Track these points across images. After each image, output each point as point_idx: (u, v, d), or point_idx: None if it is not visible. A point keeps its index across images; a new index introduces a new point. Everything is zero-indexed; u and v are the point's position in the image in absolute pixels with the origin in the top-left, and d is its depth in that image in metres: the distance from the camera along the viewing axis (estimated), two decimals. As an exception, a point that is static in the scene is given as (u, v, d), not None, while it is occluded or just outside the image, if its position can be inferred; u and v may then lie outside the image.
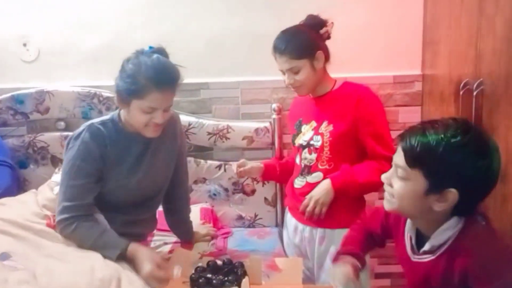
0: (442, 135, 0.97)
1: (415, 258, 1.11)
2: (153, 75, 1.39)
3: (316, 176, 1.65)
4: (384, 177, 1.09)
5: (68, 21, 2.10)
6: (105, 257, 1.38)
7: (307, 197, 1.65)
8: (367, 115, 1.60)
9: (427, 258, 1.08)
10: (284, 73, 1.64)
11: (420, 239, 1.11)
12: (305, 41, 1.61)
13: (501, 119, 1.42)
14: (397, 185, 1.05)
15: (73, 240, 1.43)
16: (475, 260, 0.98)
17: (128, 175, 1.51)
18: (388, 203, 1.09)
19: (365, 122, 1.60)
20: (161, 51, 1.48)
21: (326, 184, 1.62)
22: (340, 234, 1.62)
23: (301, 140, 1.71)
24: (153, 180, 1.58)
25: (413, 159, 1.00)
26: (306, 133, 1.70)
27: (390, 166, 1.53)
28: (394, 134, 2.05)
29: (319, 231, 1.67)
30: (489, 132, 1.36)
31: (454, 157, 0.96)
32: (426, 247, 1.07)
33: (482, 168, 0.97)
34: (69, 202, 1.42)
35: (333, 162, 1.63)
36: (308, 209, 1.64)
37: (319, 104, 1.69)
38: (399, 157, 1.04)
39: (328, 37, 1.66)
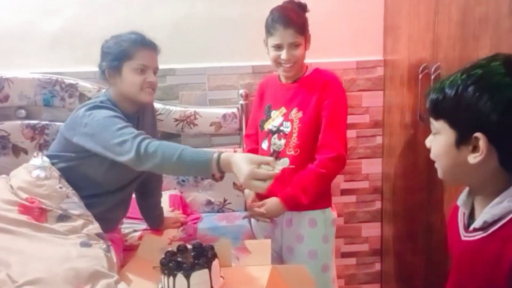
0: (454, 78, 0.91)
1: (465, 237, 0.98)
2: (137, 37, 1.55)
3: (283, 162, 1.67)
4: (426, 141, 1.01)
5: (27, 4, 2.02)
6: (199, 167, 1.35)
7: (261, 207, 1.66)
8: (328, 99, 1.64)
9: (478, 235, 0.93)
10: (278, 48, 1.62)
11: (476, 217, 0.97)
12: (305, 20, 1.65)
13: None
14: (433, 143, 0.98)
15: (160, 158, 1.34)
16: None
17: None
18: (438, 173, 1.00)
19: (324, 106, 1.64)
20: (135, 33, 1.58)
21: (278, 204, 1.64)
22: (306, 216, 1.68)
23: (270, 125, 1.72)
24: None
25: (434, 109, 0.95)
26: (276, 119, 1.71)
27: (334, 164, 1.59)
28: (357, 119, 2.15)
29: (285, 214, 1.71)
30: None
31: (470, 97, 0.87)
32: (477, 222, 0.93)
33: (501, 103, 0.85)
34: (135, 132, 1.39)
35: (299, 149, 1.65)
36: (257, 219, 1.72)
37: (289, 90, 1.70)
38: (430, 118, 0.98)
39: (307, 10, 1.69)
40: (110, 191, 1.54)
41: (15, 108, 2.05)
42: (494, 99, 0.85)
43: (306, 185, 1.62)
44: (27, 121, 2.04)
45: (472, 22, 1.40)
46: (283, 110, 1.70)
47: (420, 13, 1.75)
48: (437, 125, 0.95)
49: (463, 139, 0.91)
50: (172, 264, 1.30)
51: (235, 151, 2.09)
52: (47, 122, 2.04)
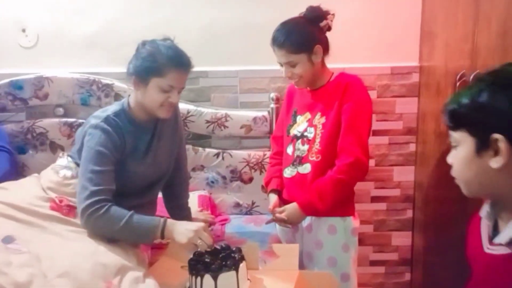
0: (468, 87, 0.94)
1: (488, 249, 0.96)
2: (173, 55, 1.49)
3: (305, 167, 1.66)
4: (448, 158, 1.00)
5: (66, 7, 2.09)
6: (141, 237, 1.40)
7: (282, 213, 1.66)
8: (348, 103, 1.59)
9: (503, 251, 0.91)
10: (281, 65, 1.64)
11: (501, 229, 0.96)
12: (304, 36, 1.60)
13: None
14: (454, 157, 0.97)
15: (103, 224, 1.39)
16: None
17: (139, 162, 1.54)
18: (462, 188, 0.99)
19: (344, 110, 1.60)
20: (171, 40, 1.56)
21: (297, 210, 1.63)
22: (325, 222, 1.65)
23: (295, 130, 1.71)
24: (159, 166, 1.62)
25: (452, 120, 0.95)
26: (301, 124, 1.70)
27: (352, 169, 1.54)
28: (390, 125, 2.11)
29: (306, 219, 1.69)
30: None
31: (485, 99, 0.89)
32: (503, 238, 0.91)
33: None
34: (98, 186, 1.41)
35: (321, 155, 1.63)
36: (279, 224, 1.72)
37: (314, 96, 1.69)
38: (449, 130, 0.99)
39: (329, 29, 1.65)
40: (132, 193, 1.56)
41: (54, 106, 2.12)
42: (509, 97, 0.86)
43: (323, 192, 1.59)
44: (64, 119, 2.11)
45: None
46: (308, 115, 1.69)
47: (458, 21, 1.71)
48: (456, 136, 0.95)
49: (483, 144, 0.90)
50: (200, 264, 1.31)
51: (264, 154, 2.10)
52: (83, 121, 2.09)
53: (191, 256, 1.38)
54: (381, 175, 2.17)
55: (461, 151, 0.94)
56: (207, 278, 1.28)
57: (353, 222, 1.68)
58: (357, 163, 1.58)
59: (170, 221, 1.44)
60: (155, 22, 2.04)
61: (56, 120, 2.11)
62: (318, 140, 1.64)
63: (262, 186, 2.10)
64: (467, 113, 0.91)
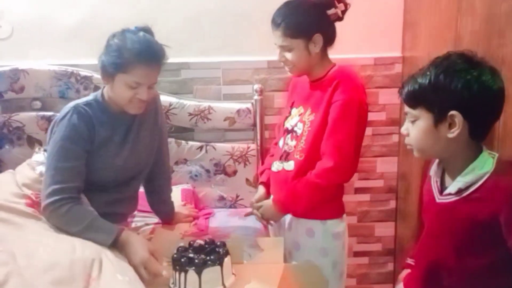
0: (424, 71, 1.10)
1: (440, 199, 1.15)
2: (139, 50, 1.41)
3: (290, 164, 1.60)
4: (403, 129, 1.18)
5: (44, -4, 2.02)
6: (96, 242, 1.35)
7: (259, 209, 1.66)
8: (336, 102, 1.49)
9: (452, 198, 1.11)
10: (277, 48, 1.55)
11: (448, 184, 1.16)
12: (304, 20, 1.48)
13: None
14: (412, 129, 1.14)
15: (63, 223, 1.39)
16: (510, 203, 1.02)
17: (114, 155, 1.50)
18: (414, 152, 1.18)
19: (331, 109, 1.49)
20: (147, 30, 1.50)
21: (272, 207, 1.61)
22: (304, 224, 1.60)
23: (288, 123, 1.66)
24: (138, 159, 1.58)
25: (412, 99, 1.12)
26: (294, 118, 1.64)
27: (330, 175, 1.51)
28: (373, 116, 2.11)
29: (286, 218, 1.66)
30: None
31: (442, 79, 1.06)
32: (452, 188, 1.11)
33: (471, 81, 1.04)
34: (59, 184, 1.38)
35: (304, 154, 1.56)
36: (256, 219, 1.71)
37: (309, 89, 1.61)
38: (405, 106, 1.16)
39: (338, 19, 1.53)
40: (110, 187, 1.53)
41: (31, 99, 2.05)
42: (461, 80, 1.05)
43: (298, 193, 1.54)
44: (42, 113, 2.04)
45: (498, 17, 1.35)
46: (301, 109, 1.62)
47: (441, 8, 1.71)
48: (415, 112, 1.12)
49: (440, 119, 1.08)
50: (184, 260, 1.29)
51: (248, 147, 2.08)
52: (61, 114, 2.05)
53: (175, 251, 1.36)
54: (365, 166, 2.17)
55: (419, 124, 1.12)
56: (191, 273, 1.27)
57: (336, 225, 1.60)
58: (336, 168, 1.48)
59: (123, 237, 1.39)
60: (136, 13, 1.98)
61: (33, 113, 2.04)
62: (304, 137, 1.57)
63: (247, 179, 2.09)
64: (426, 93, 1.09)
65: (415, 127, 1.13)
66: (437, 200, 1.16)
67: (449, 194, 1.12)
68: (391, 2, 2.06)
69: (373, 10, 2.06)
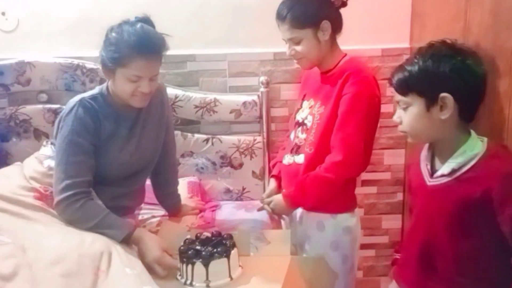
0: (412, 60, 1.18)
1: (431, 182, 1.20)
2: (136, 42, 1.39)
3: (301, 157, 1.59)
4: (395, 117, 1.23)
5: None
6: (108, 238, 1.35)
7: (270, 204, 1.66)
8: (346, 95, 1.48)
9: (443, 180, 1.17)
10: (286, 43, 1.54)
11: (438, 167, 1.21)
12: (310, 8, 1.47)
13: (487, 91, 1.43)
14: (405, 116, 1.20)
15: (76, 219, 1.38)
16: (502, 180, 1.07)
17: (120, 149, 1.50)
18: (408, 138, 1.24)
19: (341, 102, 1.48)
20: (146, 20, 1.47)
21: (282, 201, 1.60)
22: (314, 217, 1.60)
23: (299, 116, 1.64)
24: (144, 152, 1.58)
25: (403, 87, 1.18)
26: (305, 110, 1.63)
27: (339, 169, 1.50)
28: (381, 108, 2.08)
29: (298, 211, 1.66)
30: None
31: (431, 64, 1.15)
32: (445, 169, 1.16)
33: (458, 64, 1.14)
34: (72, 179, 1.38)
35: (314, 147, 1.55)
36: (268, 213, 1.72)
37: (321, 82, 1.58)
38: (396, 95, 1.22)
39: (343, 5, 1.53)
40: (116, 181, 1.53)
41: (37, 92, 2.05)
42: (448, 64, 1.13)
43: (307, 188, 1.53)
44: (48, 105, 2.05)
45: (507, 9, 1.33)
46: (312, 102, 1.60)
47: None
48: (407, 99, 1.18)
49: (432, 103, 1.15)
50: (191, 252, 1.30)
51: (254, 140, 2.08)
52: (68, 107, 2.05)
53: (182, 243, 1.36)
54: (372, 158, 2.11)
55: (412, 110, 1.17)
56: (198, 265, 1.27)
57: (347, 219, 1.59)
58: (344, 162, 1.47)
59: (136, 234, 1.40)
60: (141, 4, 1.94)
61: (40, 106, 2.05)
62: (313, 131, 1.55)
63: (253, 172, 2.09)
64: (416, 79, 1.16)
65: (408, 113, 1.18)
66: (428, 183, 1.21)
67: (441, 176, 1.17)
68: (399, -7, 2.03)
69: (381, 0, 2.03)
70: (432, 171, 1.22)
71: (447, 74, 1.13)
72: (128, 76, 1.41)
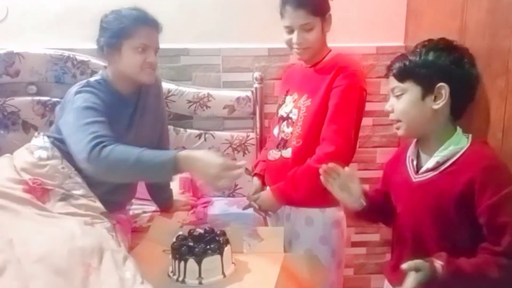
0: (414, 51, 1.22)
1: (416, 178, 1.22)
2: (137, 14, 1.47)
3: (288, 151, 1.59)
4: (387, 106, 1.25)
5: (39, -21, 1.97)
6: (156, 172, 1.32)
7: (256, 200, 1.65)
8: (337, 88, 1.49)
9: (429, 175, 1.19)
10: (289, 31, 1.52)
11: (424, 164, 1.23)
12: None
13: (483, 90, 1.43)
14: (398, 103, 1.22)
15: (110, 167, 1.30)
16: (483, 171, 1.10)
17: (121, 137, 1.47)
18: (399, 130, 1.24)
19: (332, 95, 1.50)
20: (137, 10, 1.51)
21: (270, 197, 1.59)
22: (303, 213, 1.60)
23: (282, 111, 1.65)
24: (141, 141, 1.55)
25: (402, 73, 1.21)
26: (288, 105, 1.64)
27: (331, 160, 1.44)
28: (374, 106, 2.09)
29: (285, 208, 1.65)
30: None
31: (432, 55, 1.19)
32: (430, 163, 1.19)
33: (457, 58, 1.19)
34: (95, 133, 1.32)
35: (302, 140, 1.55)
36: (254, 211, 1.69)
37: (305, 75, 1.61)
38: (391, 83, 1.24)
39: None
40: None
41: (26, 84, 2.01)
42: (449, 56, 1.19)
43: (298, 180, 1.52)
44: (37, 98, 2.01)
45: (504, 7, 1.33)
46: (295, 96, 1.61)
47: (446, -3, 1.68)
48: (404, 86, 1.20)
49: (427, 92, 1.18)
50: (184, 248, 1.28)
51: (247, 136, 2.06)
52: (58, 99, 2.01)
53: (174, 240, 1.34)
54: (364, 156, 2.16)
55: (407, 97, 1.20)
56: (191, 262, 1.26)
57: (334, 213, 1.60)
58: (338, 153, 1.47)
59: (184, 155, 1.30)
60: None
61: (29, 98, 2.00)
62: (300, 123, 1.56)
63: (246, 169, 2.06)
64: (416, 67, 1.19)
65: (402, 100, 1.21)
66: (414, 180, 1.23)
67: (426, 171, 1.20)
68: (395, -9, 2.03)
69: (377, -2, 2.03)
70: (418, 168, 1.24)
71: (447, 65, 1.17)
72: (135, 45, 1.44)
